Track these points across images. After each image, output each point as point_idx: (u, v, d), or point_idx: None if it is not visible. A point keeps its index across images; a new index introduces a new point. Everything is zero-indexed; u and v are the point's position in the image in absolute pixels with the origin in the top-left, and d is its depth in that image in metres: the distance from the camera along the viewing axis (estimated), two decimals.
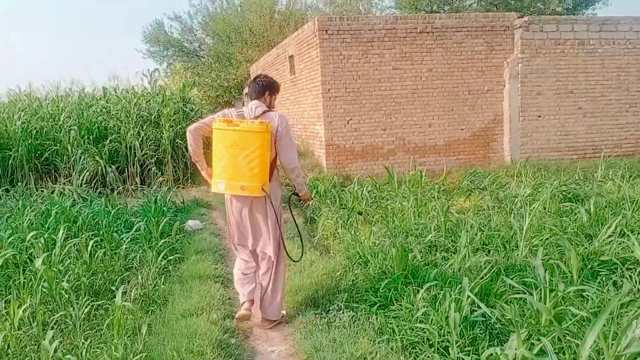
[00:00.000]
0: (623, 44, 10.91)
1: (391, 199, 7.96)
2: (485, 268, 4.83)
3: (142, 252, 5.46)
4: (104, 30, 57.54)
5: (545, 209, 6.91)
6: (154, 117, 11.22)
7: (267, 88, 4.04)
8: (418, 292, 3.97)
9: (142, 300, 4.42)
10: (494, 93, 10.80)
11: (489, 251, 5.47)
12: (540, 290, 4.10)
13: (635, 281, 4.50)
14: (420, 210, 7.16)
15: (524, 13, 16.63)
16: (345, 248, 5.70)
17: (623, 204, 6.62)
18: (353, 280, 4.70)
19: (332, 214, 7.32)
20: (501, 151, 11.01)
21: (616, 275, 4.64)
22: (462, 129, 10.78)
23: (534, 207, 6.68)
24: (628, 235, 5.37)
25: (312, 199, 4.48)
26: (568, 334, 3.22)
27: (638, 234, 5.38)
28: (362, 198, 7.74)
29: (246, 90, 4.50)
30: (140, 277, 4.82)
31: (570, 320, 3.58)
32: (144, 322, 3.82)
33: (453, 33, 10.47)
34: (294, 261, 4.36)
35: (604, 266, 4.78)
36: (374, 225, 6.84)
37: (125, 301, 4.13)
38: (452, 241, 5.79)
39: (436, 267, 5.00)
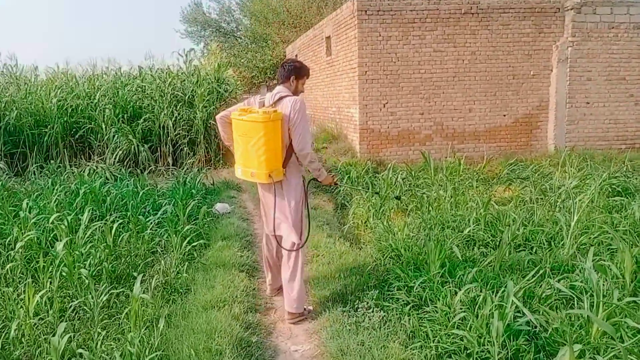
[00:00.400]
0: None
1: (427, 187, 7.58)
2: (528, 267, 4.46)
3: (167, 237, 5.28)
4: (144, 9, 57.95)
5: (593, 202, 6.42)
6: (188, 97, 11.06)
7: (292, 72, 3.98)
8: (456, 293, 3.64)
9: (164, 288, 4.23)
10: (540, 78, 10.19)
11: (532, 248, 5.07)
12: (591, 296, 3.72)
13: None
14: (458, 200, 6.77)
15: None
16: (377, 239, 5.39)
17: None
18: (384, 276, 4.40)
19: (364, 201, 7.01)
20: (545, 139, 10.42)
21: None
22: (504, 115, 10.24)
23: (580, 200, 6.21)
24: None
25: (335, 183, 4.39)
26: (629, 352, 2.84)
27: None
28: (396, 185, 7.40)
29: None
30: (163, 264, 4.64)
31: (625, 332, 3.20)
32: (162, 313, 3.63)
33: (500, 15, 9.87)
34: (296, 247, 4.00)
35: None
36: (408, 215, 6.50)
37: (145, 289, 3.95)
38: (491, 235, 5.42)
39: (475, 264, 4.65)
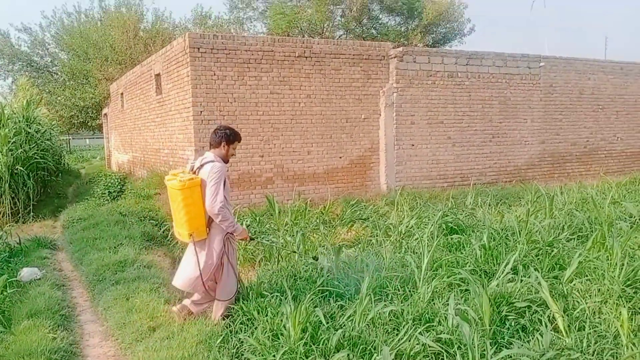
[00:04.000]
0: (487, 77, 11.30)
1: (273, 233, 7.05)
2: (390, 321, 4.11)
3: None
4: None
5: (433, 241, 6.47)
6: None
7: (223, 139, 4.33)
8: None
9: None
10: (370, 121, 10.48)
11: (388, 296, 4.78)
12: (463, 349, 3.45)
13: (545, 325, 4.06)
14: (307, 246, 6.35)
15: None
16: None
17: (511, 235, 6.40)
18: (237, 350, 3.67)
19: None
20: (378, 179, 10.69)
21: (524, 319, 4.18)
22: (340, 157, 10.28)
23: (422, 239, 6.20)
24: (525, 271, 5.05)
25: (249, 238, 4.61)
26: None
27: (534, 269, 5.08)
28: None
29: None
30: None
31: None
32: None
33: (331, 59, 9.99)
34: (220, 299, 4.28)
35: (511, 309, 4.30)
36: (257, 266, 5.86)
37: None
38: (345, 284, 5.04)
39: (334, 319, 4.17)
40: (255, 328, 3.87)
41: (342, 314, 4.34)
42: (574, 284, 4.71)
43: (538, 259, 5.50)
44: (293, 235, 6.57)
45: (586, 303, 4.33)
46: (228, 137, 4.37)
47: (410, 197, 9.61)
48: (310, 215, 8.42)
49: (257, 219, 7.64)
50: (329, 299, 4.69)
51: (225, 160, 4.38)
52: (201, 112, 9.06)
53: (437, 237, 6.55)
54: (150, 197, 9.38)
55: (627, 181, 11.43)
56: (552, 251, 5.57)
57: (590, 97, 12.89)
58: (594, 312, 4.25)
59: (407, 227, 7.13)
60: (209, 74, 9.08)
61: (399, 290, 4.80)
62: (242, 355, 3.57)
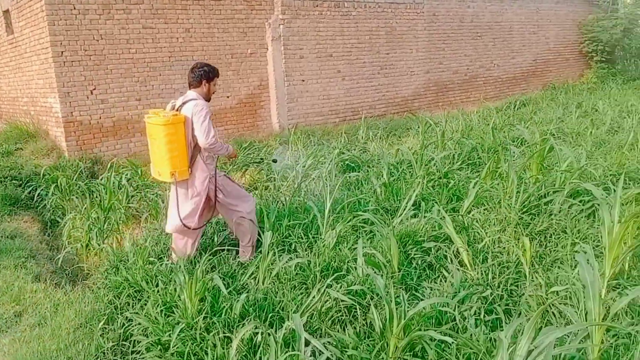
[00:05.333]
0: (373, 7, 10.97)
1: (159, 186, 6.36)
2: (297, 275, 3.80)
3: None
4: None
5: (331, 179, 6.23)
6: None
7: (202, 77, 4.23)
8: (230, 341, 2.69)
9: None
10: (258, 57, 9.78)
11: (292, 245, 4.46)
12: (378, 303, 3.23)
13: (451, 260, 4.01)
14: None
15: None
16: (106, 272, 4.01)
17: (407, 169, 6.32)
18: (126, 329, 3.15)
19: (82, 216, 5.41)
20: (269, 118, 10.17)
21: (430, 257, 4.09)
22: (227, 97, 9.55)
23: (322, 180, 5.93)
24: (426, 205, 4.97)
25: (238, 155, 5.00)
26: None
27: (434, 202, 5.01)
28: (122, 190, 5.96)
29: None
30: None
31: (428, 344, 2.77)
32: None
33: None
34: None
35: (417, 247, 4.19)
36: (141, 227, 5.23)
37: None
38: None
39: (237, 281, 3.78)
40: (145, 302, 3.36)
41: (244, 272, 3.96)
42: (473, 215, 4.72)
43: (436, 191, 5.47)
44: None
45: (486, 233, 4.34)
46: (207, 74, 4.27)
47: (304, 135, 9.29)
48: None
49: (139, 170, 6.85)
50: (227, 257, 4.28)
51: (207, 99, 4.29)
52: (62, 52, 7.78)
53: (335, 176, 6.32)
54: (11, 153, 8.08)
55: (504, 106, 12.02)
56: (449, 183, 5.56)
57: (470, 25, 13.16)
58: (494, 242, 4.27)
59: (303, 167, 6.81)
60: (68, 7, 7.74)
61: (302, 239, 4.51)
62: (132, 336, 3.06)
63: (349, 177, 6.37)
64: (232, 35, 9.40)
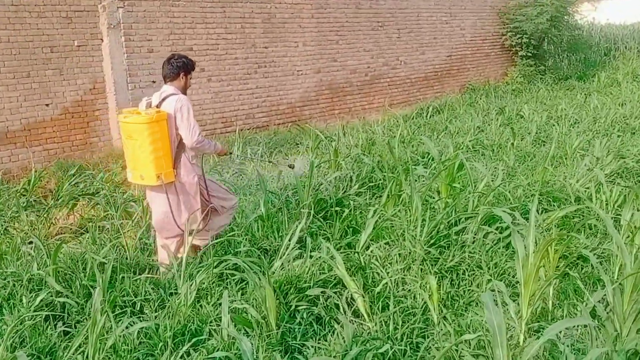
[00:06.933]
0: None
1: None
2: (140, 344, 3.77)
3: None
4: None
5: None
6: None
7: (181, 68, 5.00)
8: None
9: None
10: (89, 50, 9.59)
11: (136, 305, 4.42)
12: None
13: (344, 310, 4.20)
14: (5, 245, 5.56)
15: None
16: None
17: (293, 196, 6.52)
18: None
19: None
20: (108, 133, 9.97)
21: (318, 307, 4.26)
22: (47, 104, 9.23)
23: None
24: (314, 242, 5.17)
25: (228, 152, 5.89)
26: None
27: (324, 237, 5.23)
28: None
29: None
30: None
31: None
32: None
33: None
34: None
35: (302, 296, 4.35)
36: None
37: None
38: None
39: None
40: None
41: (68, 345, 3.86)
42: (372, 251, 4.99)
43: (327, 223, 5.70)
44: None
45: (387, 273, 4.60)
46: (186, 66, 5.04)
47: None
48: (9, 196, 7.45)
49: None
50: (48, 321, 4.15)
51: (184, 92, 5.05)
52: None
53: None
54: None
55: (414, 113, 12.80)
56: (343, 212, 5.82)
57: (369, 12, 13.89)
58: (397, 284, 4.55)
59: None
60: None
61: (151, 295, 4.50)
62: None
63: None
64: (52, 21, 9.15)
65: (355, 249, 5.05)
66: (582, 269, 4.60)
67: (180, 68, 4.98)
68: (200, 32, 10.73)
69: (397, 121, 11.41)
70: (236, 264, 4.62)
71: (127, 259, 5.13)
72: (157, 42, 10.21)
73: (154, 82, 10.21)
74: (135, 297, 4.51)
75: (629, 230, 4.62)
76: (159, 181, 4.71)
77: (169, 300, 4.35)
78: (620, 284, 3.50)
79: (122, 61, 9.82)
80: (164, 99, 4.87)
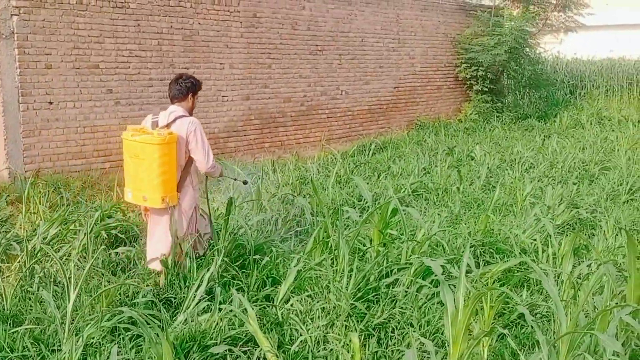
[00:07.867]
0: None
1: None
2: None
3: None
4: None
5: (87, 258, 6.28)
6: None
7: (190, 89, 5.63)
8: None
9: None
10: None
11: None
12: None
13: None
14: None
15: None
16: None
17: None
18: None
19: None
20: None
21: None
22: None
23: (67, 260, 5.94)
24: (225, 293, 5.26)
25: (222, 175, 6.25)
26: None
27: (237, 289, 5.33)
28: None
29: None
30: None
31: None
32: None
33: None
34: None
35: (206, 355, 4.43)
36: None
37: None
38: None
39: None
40: None
41: None
42: (292, 304, 5.11)
43: (243, 272, 5.80)
44: None
45: (307, 330, 4.73)
46: (194, 87, 5.69)
47: (51, 188, 9.16)
48: None
49: None
50: None
51: (191, 113, 5.69)
52: None
53: (94, 253, 6.35)
54: None
55: (353, 151, 13.10)
56: (262, 260, 5.94)
57: (307, 34, 14.24)
58: (318, 342, 4.67)
59: (44, 239, 6.74)
60: None
61: (29, 351, 4.48)
62: None
63: (118, 255, 6.49)
64: None
65: (273, 302, 5.16)
66: (522, 328, 4.84)
67: (189, 89, 5.60)
68: (108, 48, 10.78)
69: (335, 158, 11.67)
70: (131, 317, 4.66)
71: (4, 309, 5.08)
72: (57, 57, 10.20)
73: (50, 102, 10.18)
74: (12, 352, 4.48)
75: (570, 286, 4.89)
76: (163, 204, 5.30)
77: (49, 358, 4.34)
78: (553, 345, 3.72)
79: (13, 77, 9.76)
80: (174, 120, 5.46)
